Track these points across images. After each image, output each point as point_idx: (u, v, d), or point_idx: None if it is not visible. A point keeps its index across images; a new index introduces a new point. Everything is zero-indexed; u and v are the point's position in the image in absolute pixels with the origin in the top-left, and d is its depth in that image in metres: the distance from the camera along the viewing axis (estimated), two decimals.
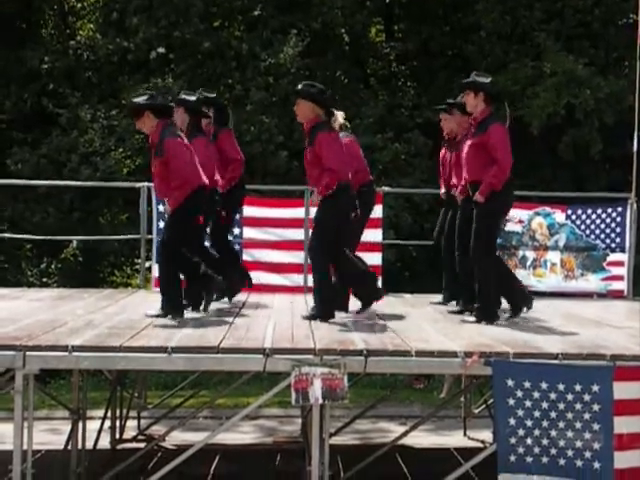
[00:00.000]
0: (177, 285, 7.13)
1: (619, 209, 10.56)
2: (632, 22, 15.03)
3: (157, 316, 6.92)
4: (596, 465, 5.39)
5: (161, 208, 10.03)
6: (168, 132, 6.96)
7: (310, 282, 9.78)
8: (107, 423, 8.35)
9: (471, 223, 7.19)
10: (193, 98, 7.97)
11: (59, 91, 15.88)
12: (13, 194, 15.56)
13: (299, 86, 7.32)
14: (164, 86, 15.06)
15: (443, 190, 8.56)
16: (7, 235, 13.62)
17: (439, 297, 8.68)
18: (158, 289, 7.47)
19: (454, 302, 8.14)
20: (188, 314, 7.11)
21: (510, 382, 5.47)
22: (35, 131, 15.86)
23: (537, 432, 5.44)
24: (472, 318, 7.25)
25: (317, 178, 7.08)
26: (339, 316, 7.22)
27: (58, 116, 15.51)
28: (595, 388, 5.42)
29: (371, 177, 8.36)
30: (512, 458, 5.45)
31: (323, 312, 7.02)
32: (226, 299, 8.17)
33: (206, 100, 8.20)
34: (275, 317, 7.30)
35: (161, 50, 15.64)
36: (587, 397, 5.42)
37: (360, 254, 9.61)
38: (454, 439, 9.47)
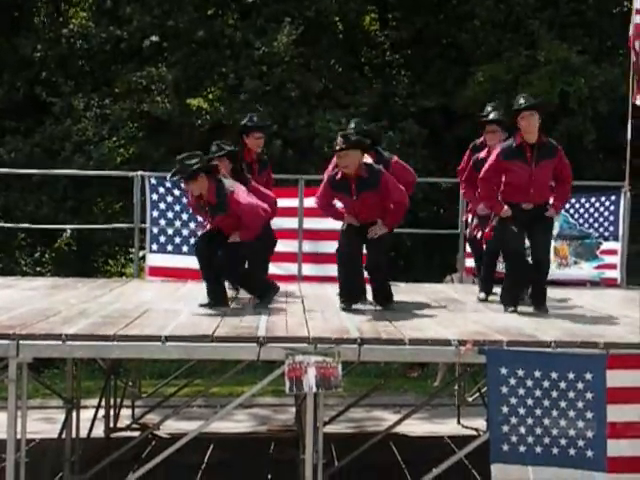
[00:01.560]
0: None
1: (613, 198, 10.58)
2: (626, 10, 14.99)
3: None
4: (589, 453, 5.41)
5: (155, 197, 10.03)
6: (223, 187, 7.11)
7: (304, 271, 9.92)
8: (101, 412, 8.37)
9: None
10: (230, 148, 8.00)
11: (52, 80, 15.81)
12: (6, 183, 15.51)
13: (353, 138, 7.25)
14: (158, 75, 15.03)
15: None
16: (0, 224, 13.58)
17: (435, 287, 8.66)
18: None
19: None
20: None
21: (504, 370, 5.48)
22: (28, 120, 15.79)
23: (530, 420, 5.45)
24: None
25: (379, 213, 7.21)
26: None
27: (51, 105, 15.45)
28: (588, 376, 5.44)
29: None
30: (505, 447, 5.46)
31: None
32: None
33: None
34: (269, 306, 7.29)
35: (155, 38, 15.57)
36: (580, 385, 5.44)
37: None
38: (448, 427, 9.51)
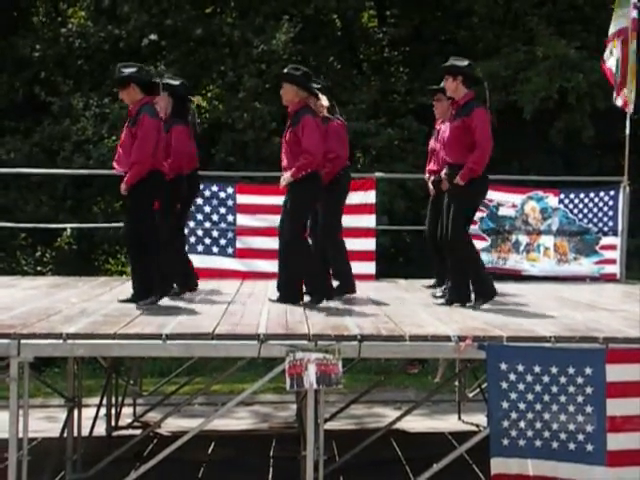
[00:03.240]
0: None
1: (612, 193, 10.60)
2: None
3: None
4: (589, 447, 5.43)
5: None
6: (148, 108, 6.95)
7: None
8: (102, 410, 8.37)
9: None
10: (177, 83, 7.93)
11: (51, 79, 15.83)
12: (6, 183, 15.53)
13: (284, 70, 7.37)
14: (157, 73, 15.02)
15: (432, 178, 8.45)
16: (1, 224, 13.60)
17: (431, 281, 8.73)
18: None
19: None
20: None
21: (503, 365, 5.50)
22: (27, 120, 15.80)
23: (530, 415, 5.47)
24: (441, 300, 7.36)
25: (292, 160, 7.09)
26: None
27: (50, 104, 15.46)
28: (588, 371, 5.45)
29: (349, 162, 8.31)
30: (505, 442, 5.48)
31: (290, 297, 7.15)
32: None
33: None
34: (269, 303, 7.31)
35: (153, 37, 15.59)
36: (580, 380, 5.46)
37: (354, 240, 9.65)
38: (448, 423, 9.51)
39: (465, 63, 7.27)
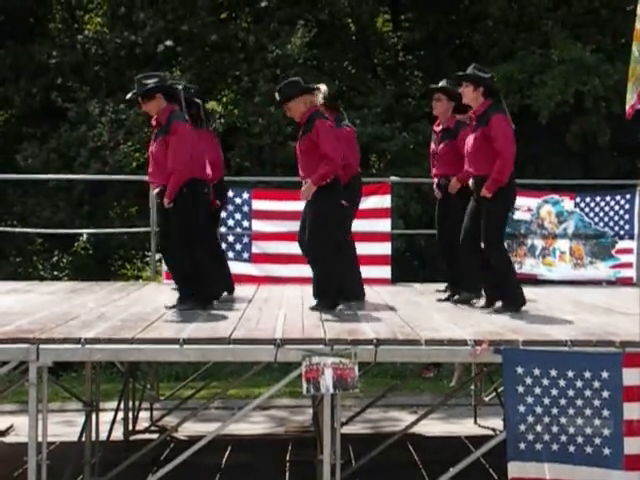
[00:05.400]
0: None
1: (627, 196, 10.57)
2: None
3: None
4: (606, 451, 5.41)
5: None
6: (177, 116, 6.89)
7: None
8: (120, 415, 8.41)
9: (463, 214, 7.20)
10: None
11: (68, 85, 15.92)
12: (24, 189, 15.64)
13: (280, 91, 7.10)
14: (172, 79, 15.10)
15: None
16: (18, 229, 13.69)
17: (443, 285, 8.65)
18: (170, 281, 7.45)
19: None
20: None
21: (520, 369, 5.49)
22: (44, 126, 15.91)
23: (547, 419, 5.46)
24: (488, 309, 7.14)
25: (311, 167, 6.91)
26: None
27: (67, 110, 15.56)
28: (604, 375, 5.44)
29: (359, 170, 8.16)
30: (522, 446, 5.48)
31: (328, 304, 6.96)
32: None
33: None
34: (285, 308, 7.34)
35: (169, 43, 15.66)
36: (597, 384, 5.44)
37: (369, 244, 9.65)
38: (465, 427, 9.50)
39: (488, 75, 7.13)
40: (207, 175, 7.19)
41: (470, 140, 7.15)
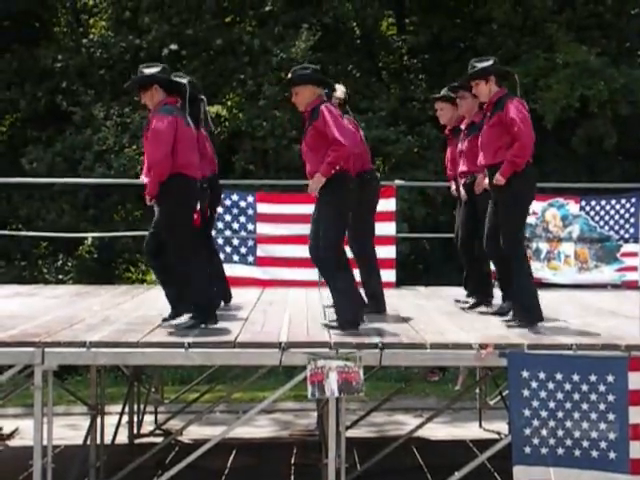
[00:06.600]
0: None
1: (632, 200, 10.55)
2: None
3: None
4: (612, 455, 5.41)
5: None
6: (164, 110, 6.21)
7: None
8: (125, 418, 8.42)
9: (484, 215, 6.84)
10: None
11: (73, 89, 15.95)
12: (28, 192, 15.66)
13: (294, 71, 6.51)
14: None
15: (454, 186, 7.97)
16: (23, 233, 13.71)
17: (456, 291, 8.52)
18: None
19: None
20: None
21: (525, 373, 5.49)
22: (49, 129, 15.94)
23: (552, 423, 5.46)
24: (507, 318, 6.66)
25: (319, 158, 6.19)
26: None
27: (72, 114, 15.58)
28: (610, 378, 5.43)
29: (372, 165, 7.67)
30: (527, 450, 5.47)
31: (349, 321, 6.20)
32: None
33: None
34: (290, 311, 7.34)
35: (173, 47, 15.67)
36: (602, 387, 5.44)
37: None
38: (470, 431, 9.49)
39: (491, 62, 6.80)
40: (198, 174, 6.48)
41: (484, 131, 6.69)
